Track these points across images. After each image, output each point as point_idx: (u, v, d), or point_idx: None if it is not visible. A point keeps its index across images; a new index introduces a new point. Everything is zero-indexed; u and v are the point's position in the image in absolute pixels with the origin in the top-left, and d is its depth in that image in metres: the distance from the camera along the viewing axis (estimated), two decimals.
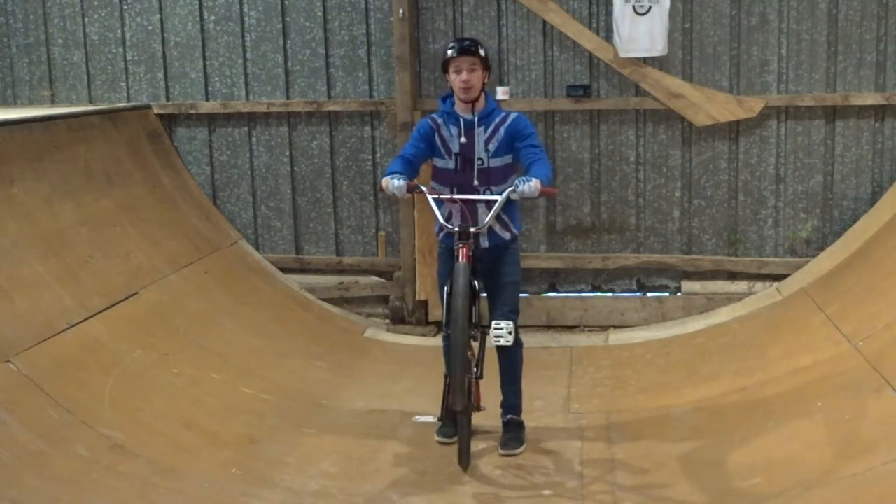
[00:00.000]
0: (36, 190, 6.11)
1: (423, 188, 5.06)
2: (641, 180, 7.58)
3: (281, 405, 5.85)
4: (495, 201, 4.94)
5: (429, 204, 5.07)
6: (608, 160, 7.59)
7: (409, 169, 5.07)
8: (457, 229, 4.93)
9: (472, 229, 4.92)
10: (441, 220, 5.00)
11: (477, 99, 5.09)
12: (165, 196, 7.55)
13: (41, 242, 5.85)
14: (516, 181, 4.83)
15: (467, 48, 5.04)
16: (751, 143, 7.40)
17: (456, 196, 5.06)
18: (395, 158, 5.21)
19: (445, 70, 5.09)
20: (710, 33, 7.32)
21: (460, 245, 4.88)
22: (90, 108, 7.64)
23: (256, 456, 5.14)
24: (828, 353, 5.83)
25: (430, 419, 4.75)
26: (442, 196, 5.09)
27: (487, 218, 4.94)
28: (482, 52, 5.05)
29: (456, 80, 5.04)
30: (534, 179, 4.78)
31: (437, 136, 5.15)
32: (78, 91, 8.18)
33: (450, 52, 5.05)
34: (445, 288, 4.97)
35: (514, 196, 4.85)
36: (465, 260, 4.84)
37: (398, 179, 4.90)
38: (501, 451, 5.21)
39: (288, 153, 7.98)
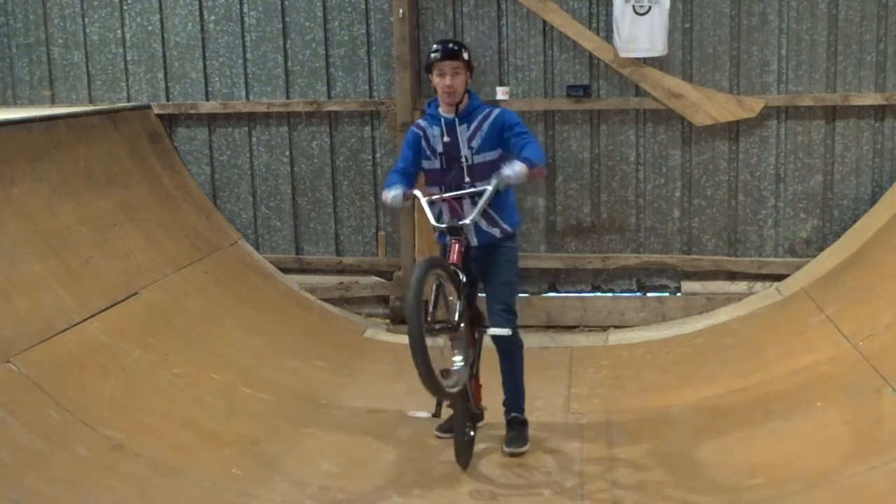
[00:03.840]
0: (36, 190, 6.11)
1: (417, 192, 5.04)
2: (641, 180, 7.59)
3: (281, 405, 5.84)
4: (481, 193, 4.89)
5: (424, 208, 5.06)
6: (608, 160, 7.59)
7: (406, 179, 5.11)
8: (444, 226, 4.92)
9: (459, 223, 4.88)
10: (432, 220, 4.96)
11: (461, 100, 5.08)
12: (165, 196, 7.55)
13: (41, 242, 5.84)
14: (501, 168, 4.76)
15: (450, 51, 5.00)
16: (751, 143, 7.40)
17: (445, 195, 5.05)
18: (391, 173, 5.24)
19: (429, 72, 5.08)
20: (710, 33, 7.32)
21: (453, 241, 4.86)
22: (90, 108, 7.64)
23: (256, 456, 5.14)
24: (828, 353, 5.83)
25: (425, 414, 4.70)
26: (433, 197, 5.07)
27: (475, 212, 4.88)
28: (465, 56, 5.03)
29: (440, 83, 5.03)
30: (517, 163, 4.70)
31: (423, 140, 5.18)
32: (78, 91, 8.18)
33: (433, 55, 5.02)
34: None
35: (500, 185, 4.79)
36: (455, 256, 4.80)
37: (394, 190, 4.96)
38: (506, 450, 5.23)
39: (288, 153, 7.98)
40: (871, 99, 7.14)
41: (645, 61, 7.32)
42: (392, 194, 4.95)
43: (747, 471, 4.77)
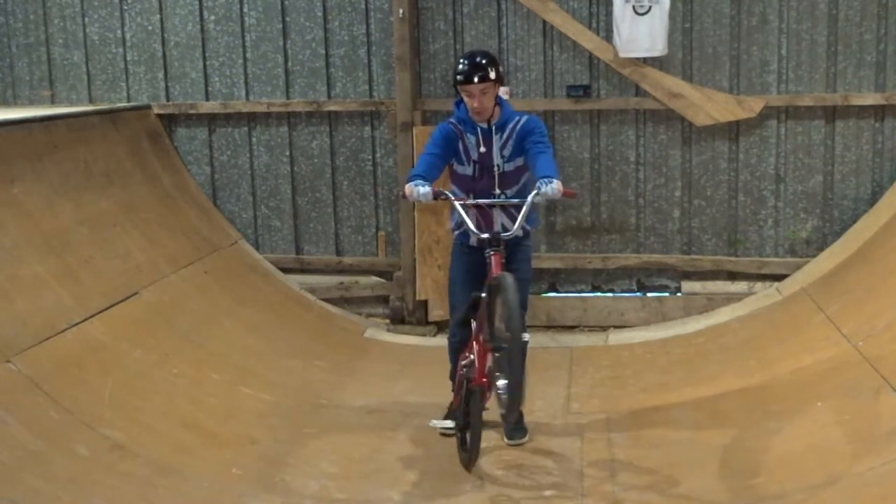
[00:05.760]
0: (36, 190, 6.11)
1: (449, 194, 4.95)
2: (641, 180, 7.59)
3: (281, 405, 5.84)
4: (515, 205, 4.93)
5: (455, 209, 4.99)
6: (608, 160, 7.59)
7: (434, 172, 5.02)
8: (487, 236, 4.82)
9: (501, 235, 4.83)
10: (473, 227, 4.85)
11: (492, 113, 5.07)
12: (165, 196, 7.55)
13: (41, 242, 5.84)
14: (538, 184, 4.76)
15: (475, 76, 4.91)
16: (751, 143, 7.40)
17: (482, 201, 5.00)
18: (420, 158, 5.12)
19: (456, 86, 5.02)
20: (710, 33, 7.32)
21: (492, 252, 4.78)
22: (90, 108, 7.64)
23: (256, 456, 5.14)
24: (828, 353, 5.83)
25: (450, 424, 4.80)
26: (468, 202, 5.01)
27: (516, 224, 4.86)
28: (492, 75, 4.93)
29: (468, 102, 5.01)
30: (555, 181, 4.73)
31: (459, 142, 5.10)
32: (78, 91, 8.18)
33: (459, 76, 4.95)
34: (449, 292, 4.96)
35: (537, 199, 4.80)
36: (498, 268, 4.72)
37: (423, 186, 4.80)
38: (509, 442, 5.32)
39: (288, 153, 7.98)
40: (871, 99, 7.14)
41: (645, 61, 7.31)
42: (422, 191, 4.77)
43: (747, 471, 4.77)
